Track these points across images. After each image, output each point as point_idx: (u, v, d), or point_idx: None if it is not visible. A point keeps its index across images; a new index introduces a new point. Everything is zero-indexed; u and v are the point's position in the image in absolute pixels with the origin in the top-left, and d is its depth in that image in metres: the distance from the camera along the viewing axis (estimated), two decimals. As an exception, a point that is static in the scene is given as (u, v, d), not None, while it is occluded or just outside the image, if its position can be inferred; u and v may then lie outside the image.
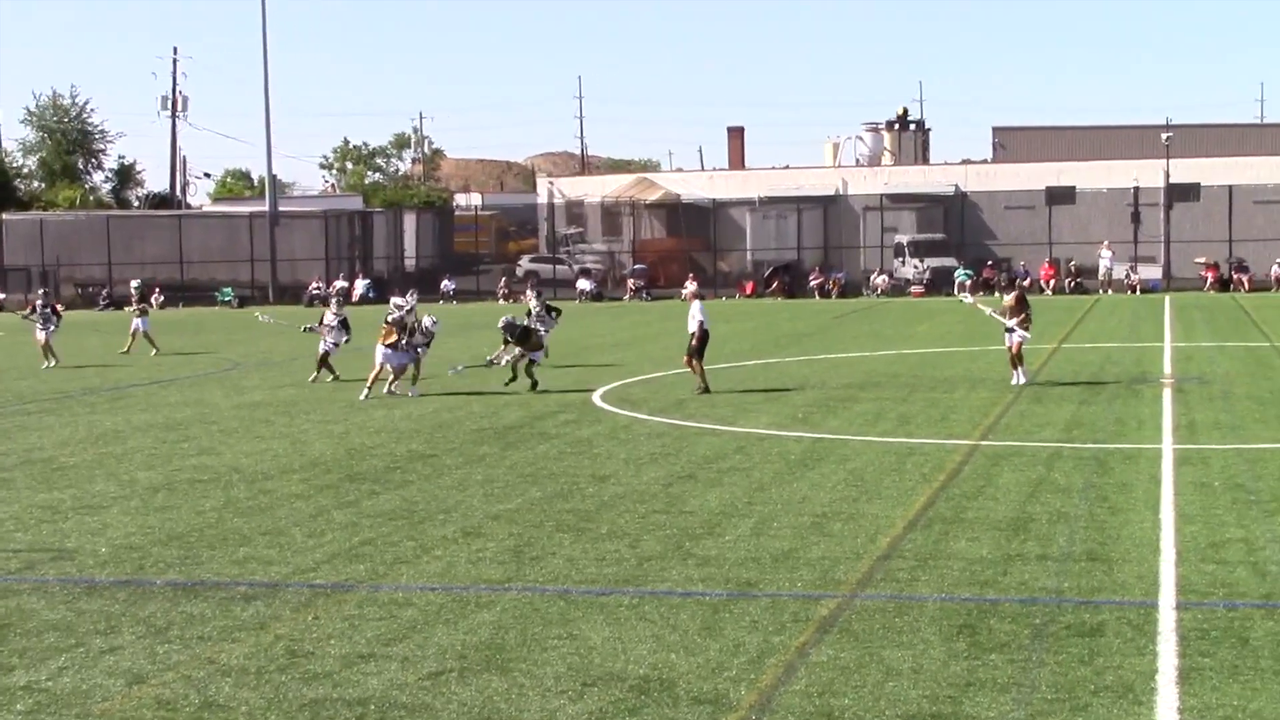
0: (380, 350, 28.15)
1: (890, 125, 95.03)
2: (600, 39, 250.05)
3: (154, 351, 40.97)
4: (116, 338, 44.95)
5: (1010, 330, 28.12)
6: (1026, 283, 68.29)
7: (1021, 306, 28.31)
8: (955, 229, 75.88)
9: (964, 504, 16.33)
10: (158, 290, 70.08)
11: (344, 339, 31.93)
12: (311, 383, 31.08)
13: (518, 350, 29.16)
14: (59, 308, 42.18)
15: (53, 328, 38.64)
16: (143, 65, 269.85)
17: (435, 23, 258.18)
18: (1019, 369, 28.12)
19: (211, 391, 30.54)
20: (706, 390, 27.48)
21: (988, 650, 10.80)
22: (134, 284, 48.97)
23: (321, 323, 32.10)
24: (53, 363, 37.86)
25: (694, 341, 27.82)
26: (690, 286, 32.83)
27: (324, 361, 31.75)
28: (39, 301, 40.19)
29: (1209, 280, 67.54)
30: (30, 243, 79.03)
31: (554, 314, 33.71)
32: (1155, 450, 19.87)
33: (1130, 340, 39.28)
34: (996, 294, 66.95)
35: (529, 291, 37.98)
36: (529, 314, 32.40)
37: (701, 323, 27.81)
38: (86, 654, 11.28)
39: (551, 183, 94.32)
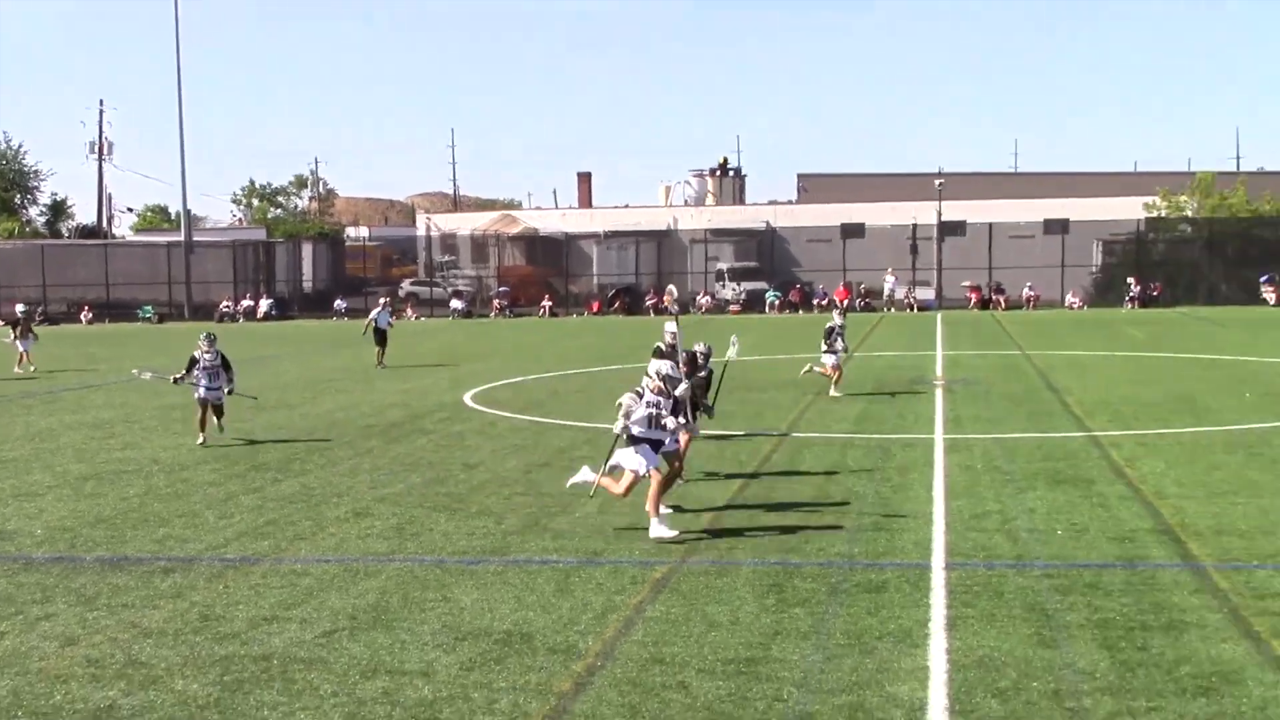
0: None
1: (713, 171, 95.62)
2: (471, 95, 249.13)
3: (33, 369, 37.23)
4: (51, 349, 43.81)
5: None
6: (825, 302, 69.25)
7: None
8: (766, 258, 76.87)
9: (774, 484, 16.51)
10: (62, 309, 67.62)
11: (226, 385, 21.53)
12: (201, 445, 20.91)
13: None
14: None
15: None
16: (72, 111, 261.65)
17: (330, 81, 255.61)
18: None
19: (132, 395, 29.62)
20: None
21: (792, 605, 10.93)
22: (19, 308, 41.50)
23: (191, 369, 21.24)
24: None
25: None
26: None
27: (213, 413, 21.39)
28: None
29: (973, 300, 69.09)
30: (-26, 268, 76.43)
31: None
32: (929, 439, 20.18)
33: (909, 349, 39.88)
34: (811, 311, 68.10)
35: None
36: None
37: None
38: (24, 620, 10.98)
39: (428, 218, 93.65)
